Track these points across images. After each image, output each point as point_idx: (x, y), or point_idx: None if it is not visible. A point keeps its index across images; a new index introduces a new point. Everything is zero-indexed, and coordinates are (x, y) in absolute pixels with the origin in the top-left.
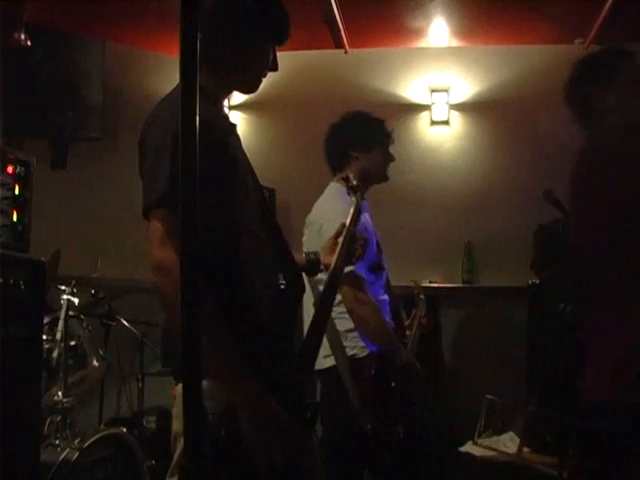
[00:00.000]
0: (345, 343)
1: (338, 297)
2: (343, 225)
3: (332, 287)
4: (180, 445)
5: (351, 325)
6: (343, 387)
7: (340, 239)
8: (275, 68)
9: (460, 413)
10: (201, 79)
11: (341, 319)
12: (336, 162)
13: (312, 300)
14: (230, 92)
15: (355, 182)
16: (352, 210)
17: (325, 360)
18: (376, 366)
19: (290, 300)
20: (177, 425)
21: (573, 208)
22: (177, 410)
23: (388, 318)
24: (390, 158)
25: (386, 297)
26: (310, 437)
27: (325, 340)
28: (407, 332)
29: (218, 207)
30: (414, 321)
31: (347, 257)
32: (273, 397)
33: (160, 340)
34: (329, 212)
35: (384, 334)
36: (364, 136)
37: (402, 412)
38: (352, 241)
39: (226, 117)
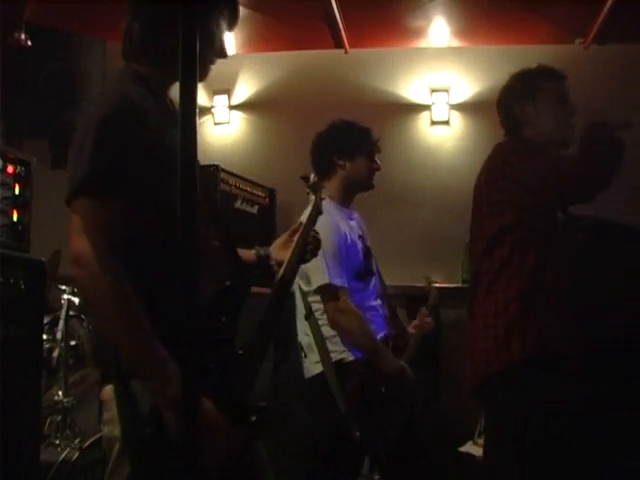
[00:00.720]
0: (332, 348)
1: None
2: (300, 223)
3: (284, 285)
4: (115, 450)
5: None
6: (331, 393)
7: (296, 237)
8: (224, 55)
9: (460, 413)
10: (143, 69)
11: (327, 325)
12: (322, 170)
13: (304, 312)
14: (173, 82)
15: (313, 181)
16: (310, 209)
17: (314, 366)
18: (363, 371)
19: (234, 298)
20: (110, 429)
21: (478, 197)
22: (110, 415)
23: (381, 324)
24: (376, 167)
25: (377, 302)
26: (255, 441)
27: (314, 346)
28: (413, 331)
29: (155, 202)
30: (421, 320)
31: (300, 256)
32: (209, 398)
33: (88, 338)
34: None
35: (370, 343)
36: (349, 144)
37: (393, 417)
38: (305, 241)
39: (168, 107)
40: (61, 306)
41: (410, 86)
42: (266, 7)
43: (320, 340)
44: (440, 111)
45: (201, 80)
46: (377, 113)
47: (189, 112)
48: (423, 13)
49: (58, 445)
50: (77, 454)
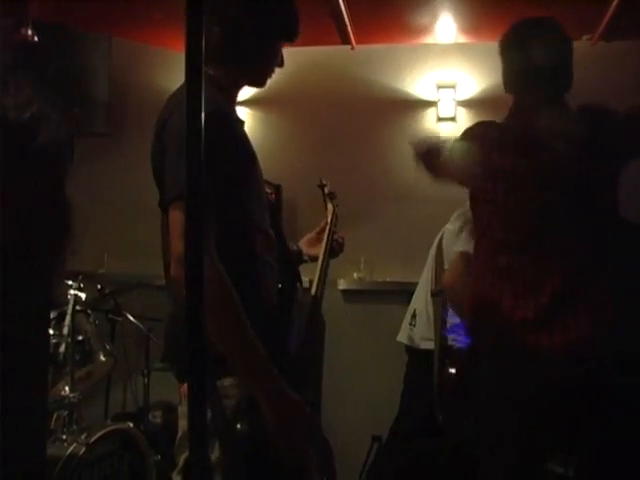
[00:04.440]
0: (445, 334)
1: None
2: (326, 222)
3: (323, 279)
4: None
5: (456, 320)
6: (430, 374)
7: (325, 234)
8: (282, 64)
9: None
10: (215, 72)
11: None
12: None
13: (430, 284)
14: (241, 87)
15: (327, 190)
16: (330, 216)
17: (422, 342)
18: (462, 361)
19: (286, 299)
20: (184, 423)
21: None
22: (184, 409)
23: None
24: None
25: None
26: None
27: (431, 323)
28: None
29: (234, 204)
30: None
31: (330, 251)
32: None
33: (164, 336)
34: None
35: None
36: None
37: (469, 411)
38: (331, 243)
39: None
40: (68, 301)
41: (416, 82)
42: None
43: (440, 321)
44: (446, 107)
45: (261, 87)
46: (383, 109)
47: (194, 109)
48: (430, 9)
49: (64, 440)
50: (83, 449)
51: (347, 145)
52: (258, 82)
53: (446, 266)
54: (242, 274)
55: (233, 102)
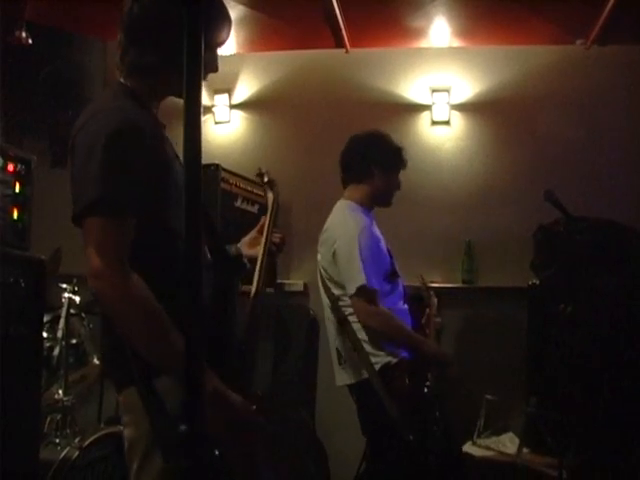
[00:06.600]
0: (374, 352)
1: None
2: (264, 220)
3: (263, 278)
4: (141, 449)
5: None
6: (378, 398)
7: (264, 232)
8: (214, 69)
9: (460, 413)
10: (132, 84)
11: (363, 330)
12: (354, 174)
13: (333, 319)
14: (164, 97)
15: (267, 178)
16: (270, 205)
17: (356, 373)
18: (408, 373)
19: (219, 303)
20: (132, 431)
21: None
22: (130, 417)
23: (409, 326)
24: (399, 185)
25: (406, 307)
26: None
27: (354, 353)
28: (426, 331)
29: (151, 212)
30: (429, 321)
31: (269, 250)
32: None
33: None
34: (339, 229)
35: (404, 336)
36: (388, 158)
37: (438, 416)
38: (269, 239)
39: (157, 120)
40: (62, 304)
41: (411, 86)
42: (266, 7)
43: (360, 346)
44: (441, 111)
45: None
46: (378, 113)
47: (193, 115)
48: (424, 13)
49: (58, 444)
50: (77, 453)
51: (341, 148)
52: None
53: (345, 291)
54: (163, 282)
55: (151, 111)
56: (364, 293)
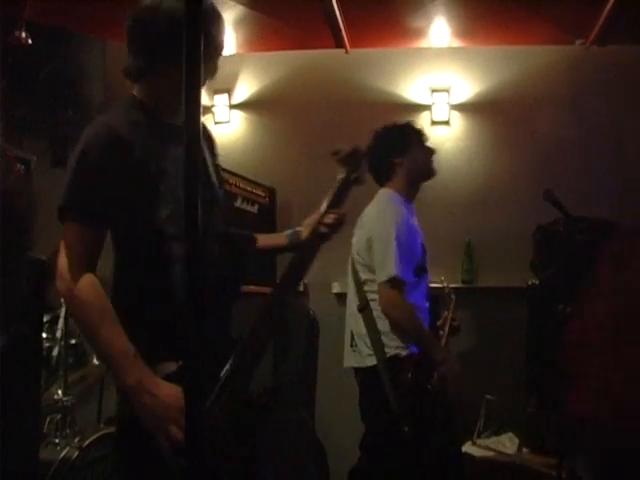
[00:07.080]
0: (388, 342)
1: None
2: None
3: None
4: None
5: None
6: (382, 387)
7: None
8: (212, 77)
9: (459, 413)
10: (140, 94)
11: (382, 319)
12: (383, 173)
13: (357, 303)
14: (178, 104)
15: (344, 153)
16: (337, 183)
17: (365, 359)
18: (414, 367)
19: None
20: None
21: None
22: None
23: (427, 325)
24: (430, 151)
25: (427, 305)
26: (267, 420)
27: (367, 339)
28: (440, 332)
29: (140, 217)
30: (445, 322)
31: (319, 233)
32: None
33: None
34: (377, 217)
35: (420, 334)
36: (400, 141)
37: (438, 416)
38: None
39: (164, 129)
40: (61, 305)
41: (410, 86)
42: (266, 7)
43: (375, 333)
44: (440, 111)
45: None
46: (377, 113)
47: (194, 113)
48: (424, 13)
49: (58, 444)
50: (77, 453)
51: None
52: None
53: (375, 277)
54: (153, 280)
55: (159, 120)
56: (394, 284)
